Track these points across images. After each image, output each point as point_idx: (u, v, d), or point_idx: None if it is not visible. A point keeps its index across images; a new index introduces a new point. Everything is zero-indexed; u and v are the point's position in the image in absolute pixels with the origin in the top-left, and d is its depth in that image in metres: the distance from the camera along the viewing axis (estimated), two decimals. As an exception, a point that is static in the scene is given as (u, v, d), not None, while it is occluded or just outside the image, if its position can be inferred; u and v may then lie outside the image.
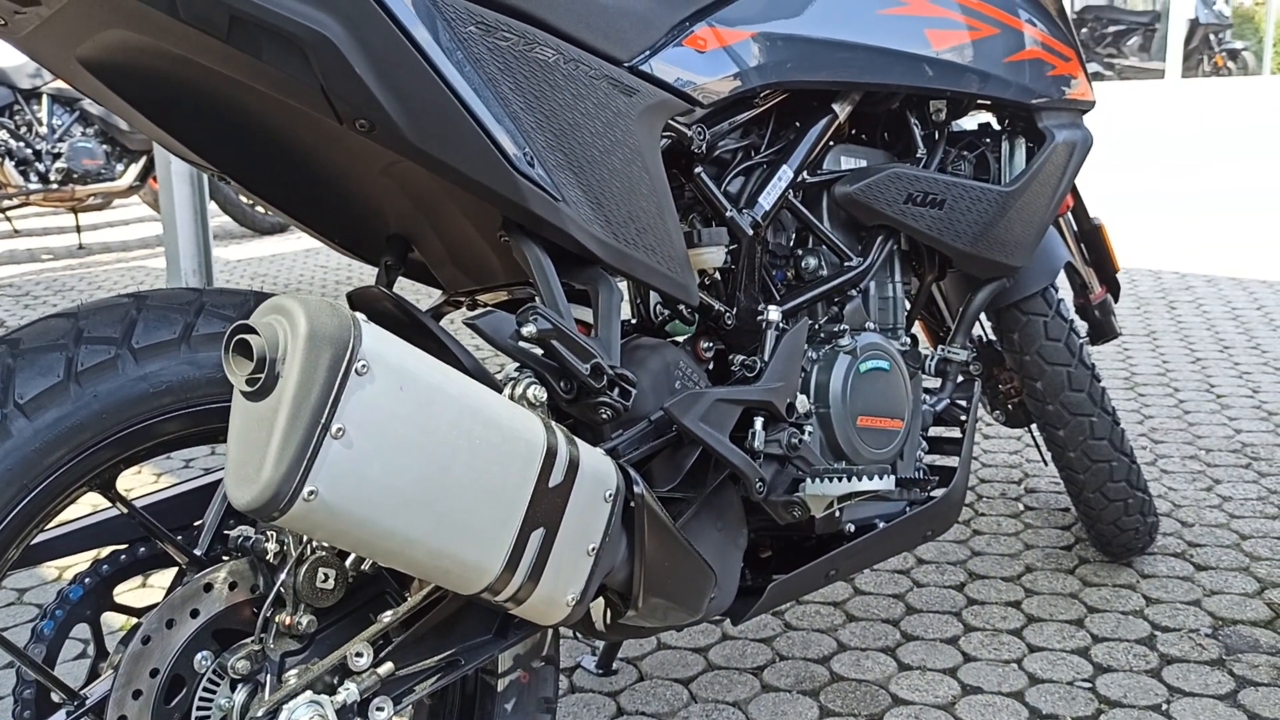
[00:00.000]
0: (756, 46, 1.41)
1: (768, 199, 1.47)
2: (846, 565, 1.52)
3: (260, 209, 6.74)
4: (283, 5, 0.98)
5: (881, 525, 1.54)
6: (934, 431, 1.70)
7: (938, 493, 1.61)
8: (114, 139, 6.12)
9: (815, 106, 1.53)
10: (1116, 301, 2.12)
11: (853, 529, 1.52)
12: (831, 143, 1.57)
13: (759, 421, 1.37)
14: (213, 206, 5.64)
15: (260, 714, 1.04)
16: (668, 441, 1.29)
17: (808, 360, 1.49)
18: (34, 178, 5.90)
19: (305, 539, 1.07)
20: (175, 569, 1.14)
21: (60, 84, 6.01)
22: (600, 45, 1.25)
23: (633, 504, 1.14)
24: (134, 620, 1.11)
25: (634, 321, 1.52)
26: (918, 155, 1.65)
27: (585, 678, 1.84)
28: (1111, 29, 13.09)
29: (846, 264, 1.56)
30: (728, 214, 1.43)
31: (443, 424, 0.94)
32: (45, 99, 6.00)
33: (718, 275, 1.46)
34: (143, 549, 1.13)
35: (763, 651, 1.91)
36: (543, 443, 1.03)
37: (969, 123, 1.81)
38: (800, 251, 1.57)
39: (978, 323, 1.88)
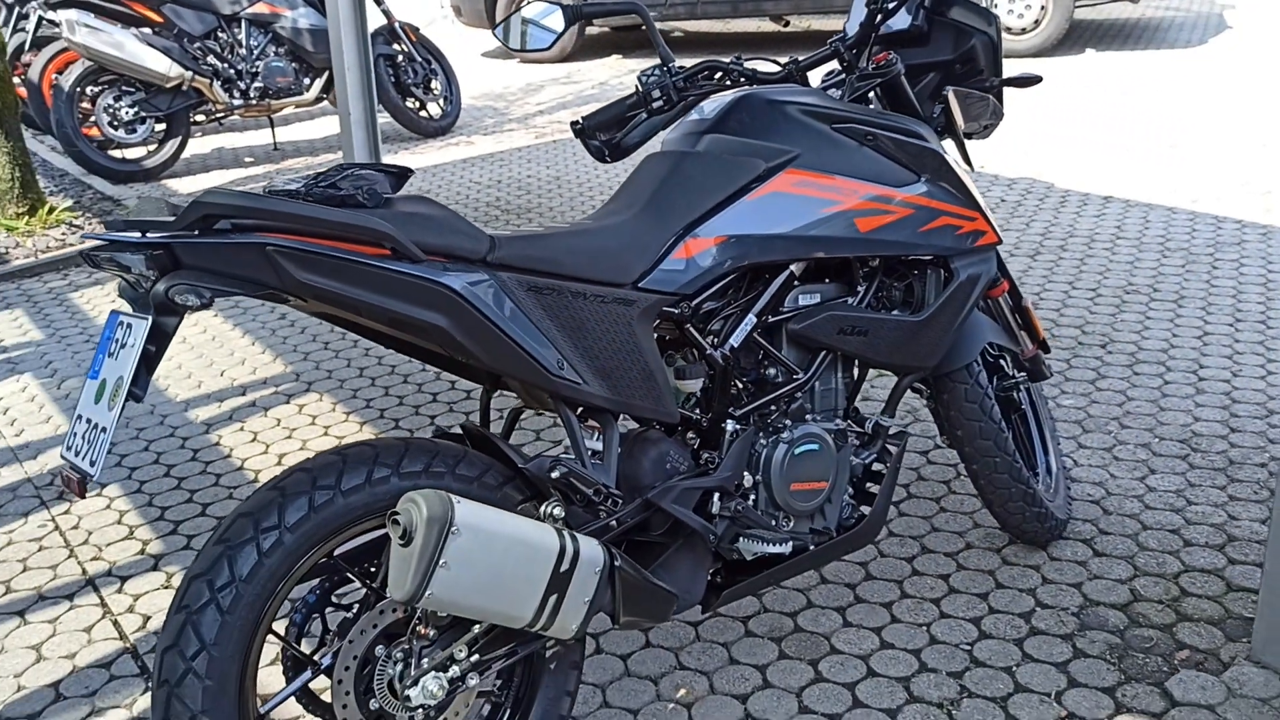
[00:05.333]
0: (729, 248, 2.15)
1: (737, 339, 2.23)
2: (782, 576, 2.33)
3: (424, 114, 7.60)
4: (412, 311, 1.79)
5: (811, 549, 2.34)
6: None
7: (862, 517, 2.40)
8: (301, 57, 7.02)
9: (777, 267, 2.27)
10: (1047, 353, 2.80)
11: (789, 550, 2.32)
12: (795, 284, 2.30)
13: (716, 496, 2.18)
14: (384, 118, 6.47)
15: (408, 682, 1.93)
16: (652, 514, 2.12)
17: (760, 445, 2.27)
18: (236, 95, 6.88)
19: None
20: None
21: (256, 9, 6.90)
22: (609, 278, 2.02)
23: (614, 571, 1.97)
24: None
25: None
26: (858, 289, 2.37)
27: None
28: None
29: (794, 377, 2.31)
30: (708, 352, 2.20)
31: (498, 551, 1.78)
32: (244, 23, 6.90)
33: (698, 393, 2.24)
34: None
35: (753, 603, 2.74)
36: (556, 548, 1.86)
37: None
38: (762, 365, 2.33)
39: None
